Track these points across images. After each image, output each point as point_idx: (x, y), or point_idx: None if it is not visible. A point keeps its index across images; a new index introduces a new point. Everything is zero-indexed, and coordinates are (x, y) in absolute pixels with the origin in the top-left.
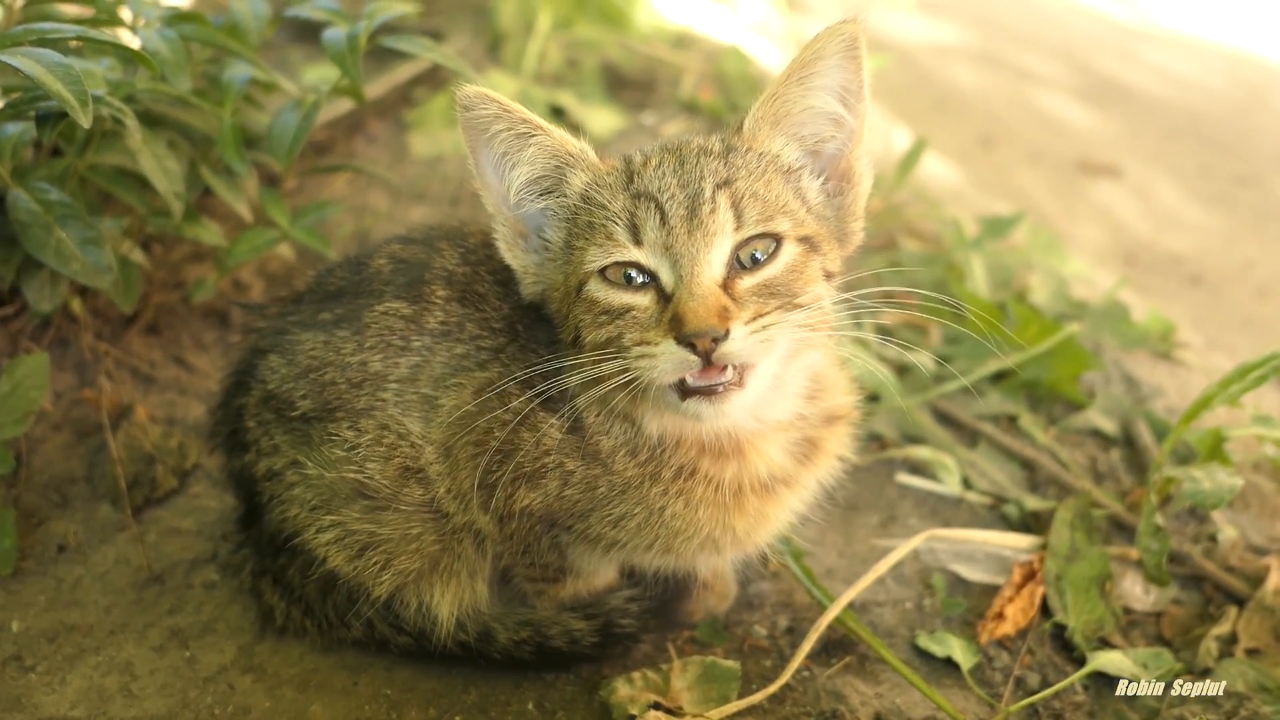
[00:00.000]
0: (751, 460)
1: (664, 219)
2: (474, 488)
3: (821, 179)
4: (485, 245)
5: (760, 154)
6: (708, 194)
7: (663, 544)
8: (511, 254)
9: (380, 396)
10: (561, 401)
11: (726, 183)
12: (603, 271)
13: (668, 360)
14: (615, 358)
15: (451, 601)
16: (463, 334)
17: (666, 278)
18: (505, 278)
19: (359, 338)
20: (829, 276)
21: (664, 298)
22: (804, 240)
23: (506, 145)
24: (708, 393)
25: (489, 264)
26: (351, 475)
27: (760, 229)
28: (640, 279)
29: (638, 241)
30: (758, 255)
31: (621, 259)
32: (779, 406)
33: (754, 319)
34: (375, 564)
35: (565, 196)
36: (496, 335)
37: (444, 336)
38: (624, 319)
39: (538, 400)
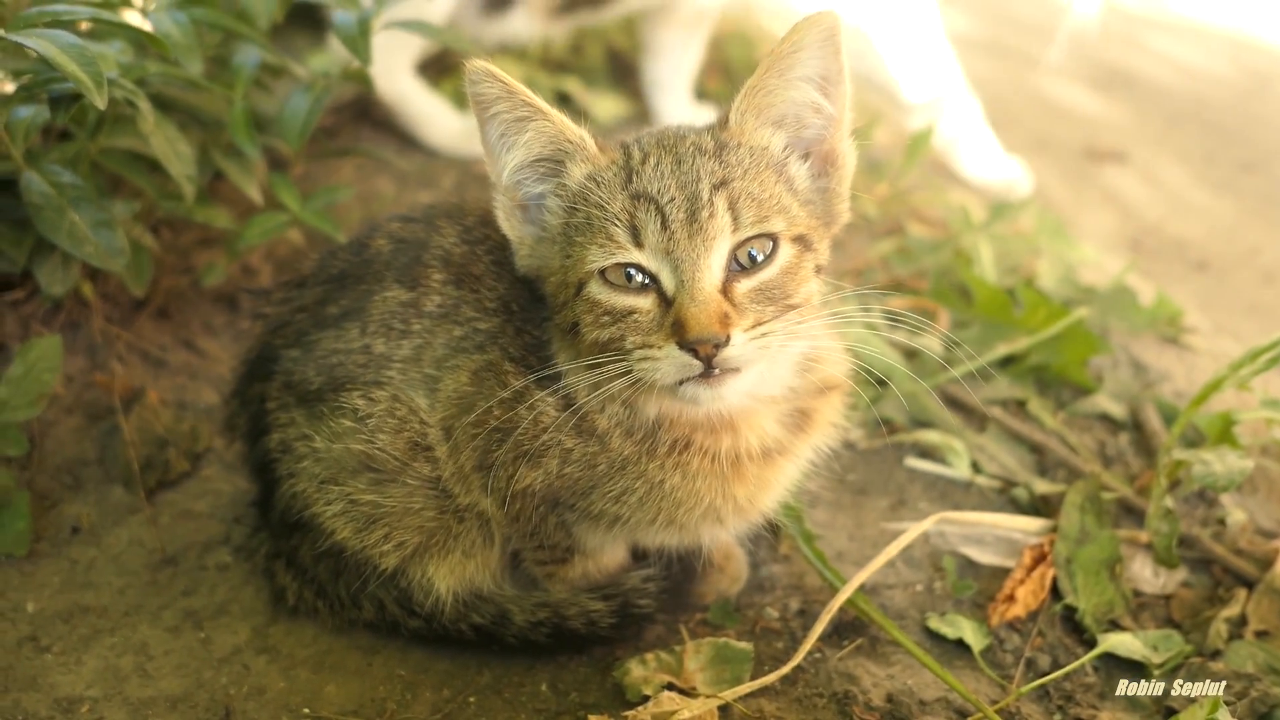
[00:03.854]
0: (744, 433)
1: (664, 223)
2: (474, 469)
3: (807, 162)
4: (484, 224)
5: (750, 148)
6: (705, 197)
7: (666, 517)
8: (509, 225)
9: (386, 374)
10: (556, 379)
11: (723, 184)
12: (603, 273)
13: (670, 364)
14: (618, 359)
15: (446, 576)
16: (459, 316)
17: (668, 281)
18: (502, 257)
19: (362, 323)
20: (818, 270)
21: (665, 301)
22: (798, 240)
23: (505, 126)
24: (704, 376)
25: (487, 243)
26: (359, 447)
27: (757, 230)
28: (641, 279)
29: (639, 244)
30: (755, 255)
31: (623, 260)
32: (772, 384)
33: (754, 326)
34: (379, 535)
35: (564, 185)
36: (491, 316)
37: (442, 319)
38: (626, 321)
39: (533, 379)
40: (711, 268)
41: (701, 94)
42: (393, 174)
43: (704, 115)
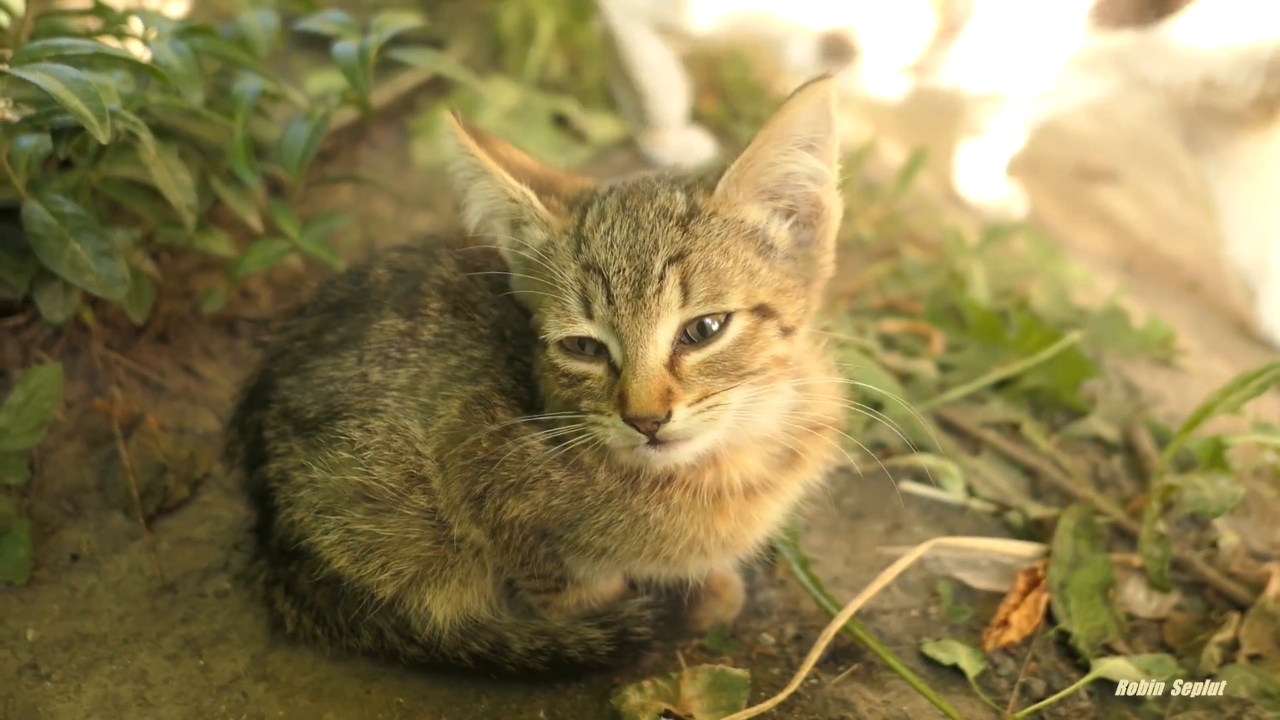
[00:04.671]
0: (726, 469)
1: (610, 296)
2: (463, 500)
3: (790, 219)
4: (486, 253)
5: (725, 220)
6: (656, 271)
7: (650, 550)
8: (507, 251)
9: (382, 402)
10: (544, 409)
11: (679, 256)
12: (560, 341)
13: (617, 433)
14: (575, 420)
15: (444, 605)
16: (455, 344)
17: (615, 353)
18: (501, 283)
19: (359, 353)
20: (788, 332)
21: (614, 370)
22: (758, 310)
23: (465, 180)
24: (652, 444)
25: (485, 270)
26: (356, 478)
27: (709, 308)
28: (593, 348)
29: (589, 315)
30: (708, 325)
31: (574, 334)
32: (755, 426)
33: (699, 400)
34: (376, 565)
35: (525, 247)
36: (486, 344)
37: (438, 348)
38: (580, 386)
39: (521, 413)
40: (657, 343)
41: (696, 116)
42: (391, 196)
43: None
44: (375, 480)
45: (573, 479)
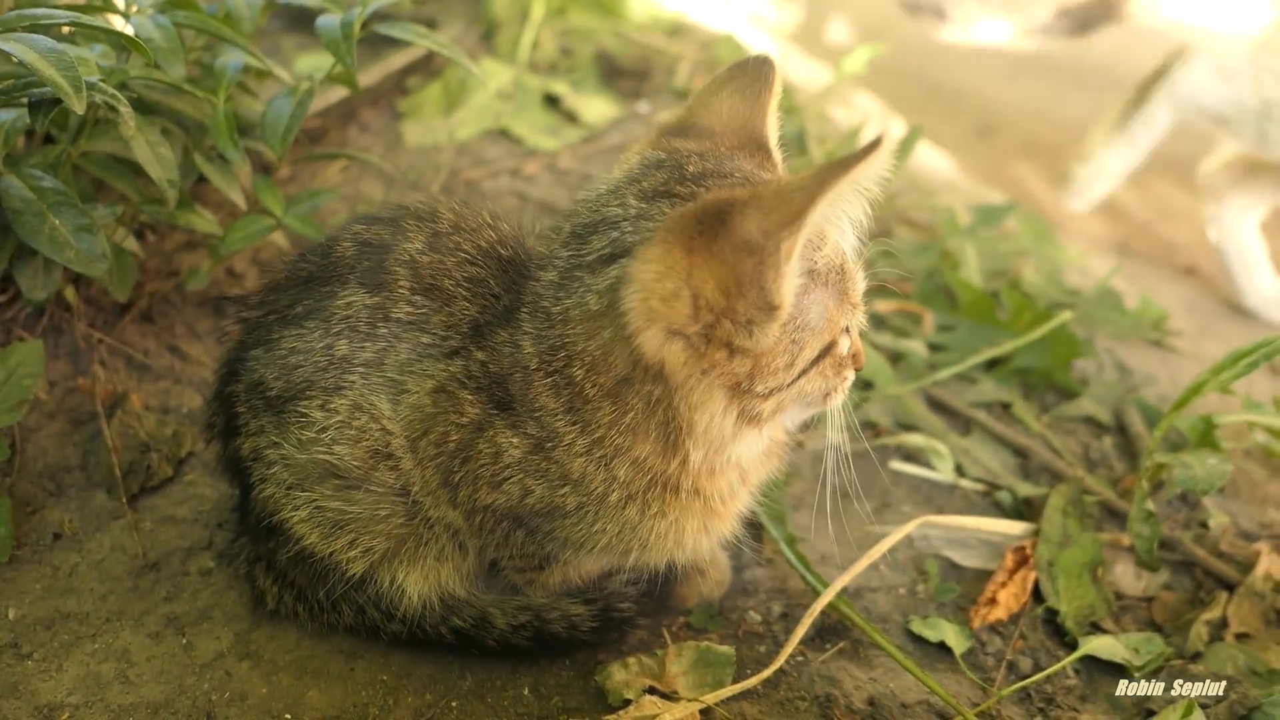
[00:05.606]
0: (742, 468)
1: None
2: (440, 486)
3: None
4: (456, 231)
5: None
6: None
7: (637, 553)
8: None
9: (347, 378)
10: (523, 414)
11: None
12: (846, 327)
13: (850, 385)
14: (825, 397)
15: (419, 583)
16: (426, 325)
17: (851, 323)
18: (474, 274)
19: (324, 326)
20: None
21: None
22: None
23: (858, 201)
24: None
25: (457, 254)
26: (322, 456)
27: None
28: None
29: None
30: None
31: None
32: None
33: None
34: (345, 542)
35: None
36: (456, 334)
37: (410, 326)
38: (842, 360)
39: (496, 411)
40: None
41: (688, 97)
42: (379, 177)
43: None
44: (338, 459)
45: (554, 489)
